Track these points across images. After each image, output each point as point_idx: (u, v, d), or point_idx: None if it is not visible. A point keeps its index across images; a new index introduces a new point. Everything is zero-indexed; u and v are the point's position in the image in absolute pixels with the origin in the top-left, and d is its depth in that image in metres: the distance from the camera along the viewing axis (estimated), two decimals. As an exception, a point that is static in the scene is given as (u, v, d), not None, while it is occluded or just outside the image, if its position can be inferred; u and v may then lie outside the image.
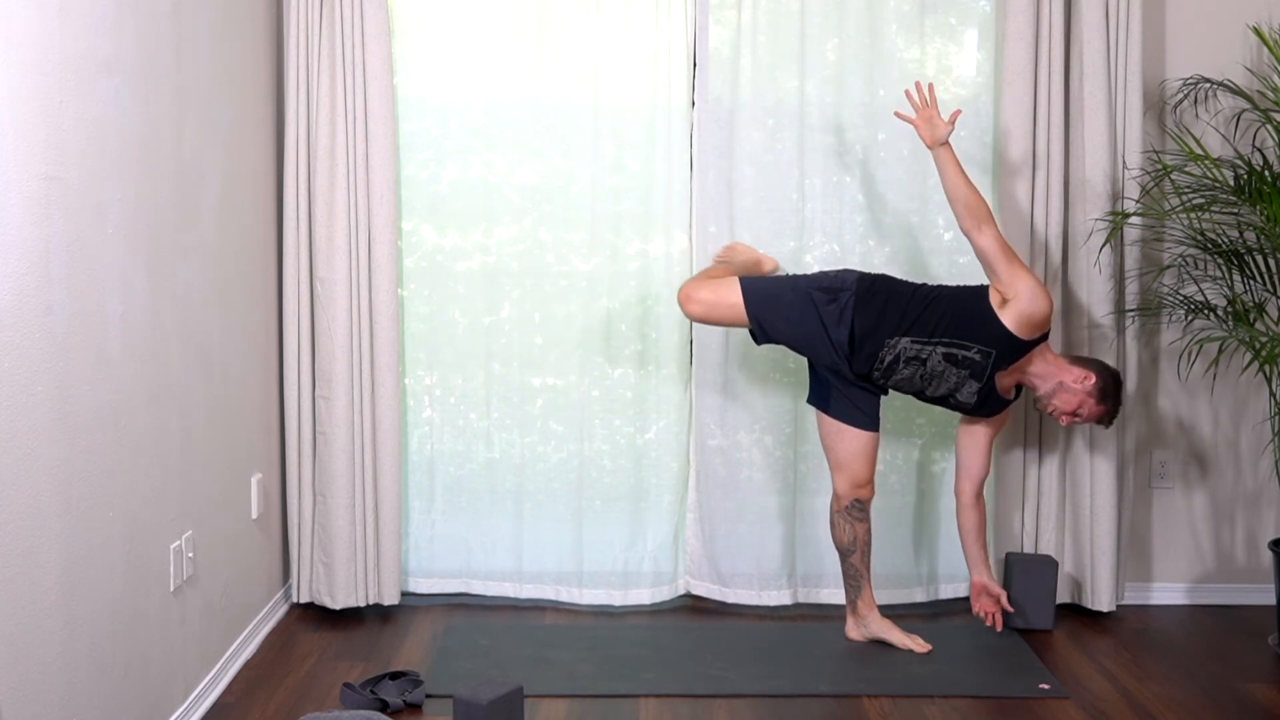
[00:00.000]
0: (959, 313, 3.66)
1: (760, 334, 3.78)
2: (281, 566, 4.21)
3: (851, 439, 3.80)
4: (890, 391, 3.86)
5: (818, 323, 3.71)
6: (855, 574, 3.87)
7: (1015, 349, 3.65)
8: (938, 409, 4.29)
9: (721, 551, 4.29)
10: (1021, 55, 4.03)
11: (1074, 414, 3.74)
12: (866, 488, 3.84)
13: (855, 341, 3.69)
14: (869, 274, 3.78)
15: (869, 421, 3.81)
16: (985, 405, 3.78)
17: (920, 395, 3.81)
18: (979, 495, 3.94)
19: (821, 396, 3.85)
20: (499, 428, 4.32)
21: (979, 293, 3.69)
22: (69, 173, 2.57)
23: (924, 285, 3.77)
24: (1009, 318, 3.62)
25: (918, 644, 3.83)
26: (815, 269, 4.25)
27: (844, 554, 3.88)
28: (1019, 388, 3.83)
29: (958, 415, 4.29)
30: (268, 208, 4.03)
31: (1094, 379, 3.72)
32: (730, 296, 3.75)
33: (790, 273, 4.06)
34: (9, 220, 2.33)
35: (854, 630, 3.92)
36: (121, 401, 2.83)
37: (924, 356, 3.67)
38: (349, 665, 3.72)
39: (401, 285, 4.21)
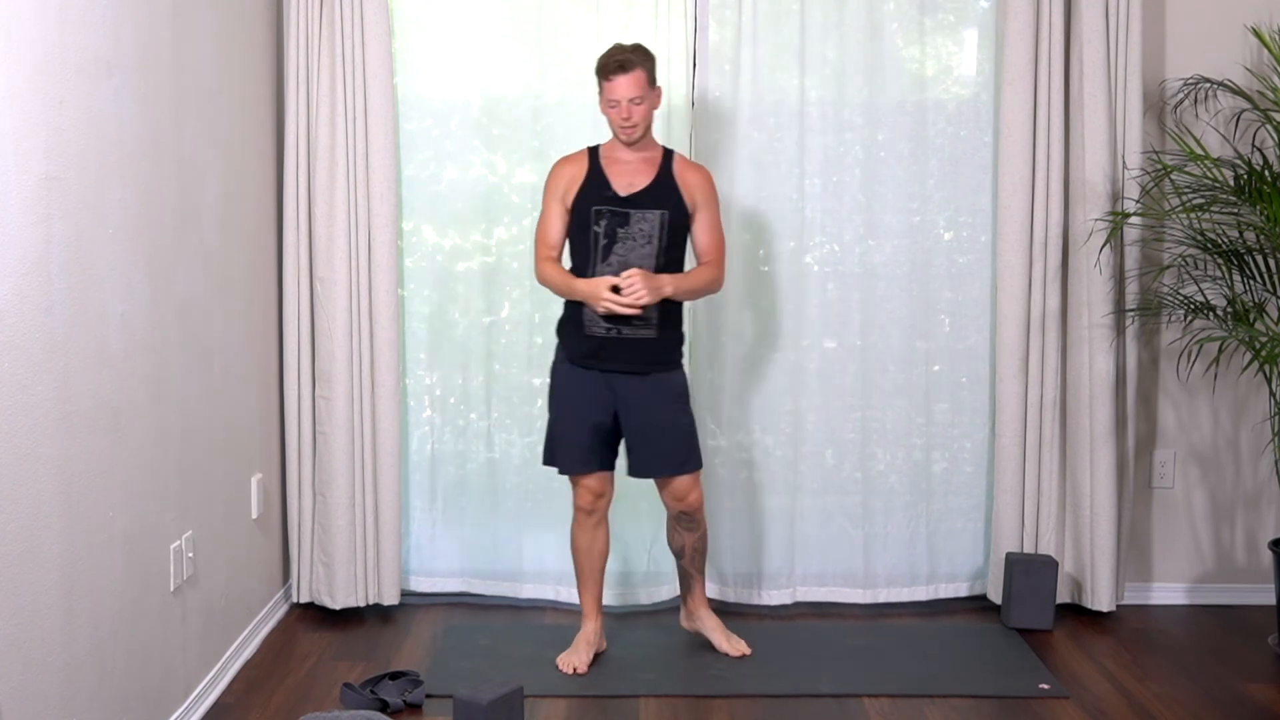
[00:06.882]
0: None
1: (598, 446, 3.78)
2: (281, 566, 4.21)
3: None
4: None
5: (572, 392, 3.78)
6: (686, 575, 3.91)
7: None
8: (937, 409, 4.30)
9: (721, 551, 4.28)
10: (1021, 55, 4.03)
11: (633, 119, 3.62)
12: (685, 501, 3.77)
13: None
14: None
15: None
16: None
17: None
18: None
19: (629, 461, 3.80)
20: (499, 428, 4.32)
21: None
22: (69, 173, 2.56)
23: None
24: None
25: (735, 647, 3.83)
26: (815, 269, 4.26)
27: (675, 556, 3.91)
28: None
29: (957, 415, 4.32)
30: (268, 208, 4.03)
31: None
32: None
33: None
34: (9, 220, 2.33)
35: (685, 621, 3.97)
36: (121, 401, 2.83)
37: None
38: (349, 665, 3.72)
39: (401, 285, 4.21)
